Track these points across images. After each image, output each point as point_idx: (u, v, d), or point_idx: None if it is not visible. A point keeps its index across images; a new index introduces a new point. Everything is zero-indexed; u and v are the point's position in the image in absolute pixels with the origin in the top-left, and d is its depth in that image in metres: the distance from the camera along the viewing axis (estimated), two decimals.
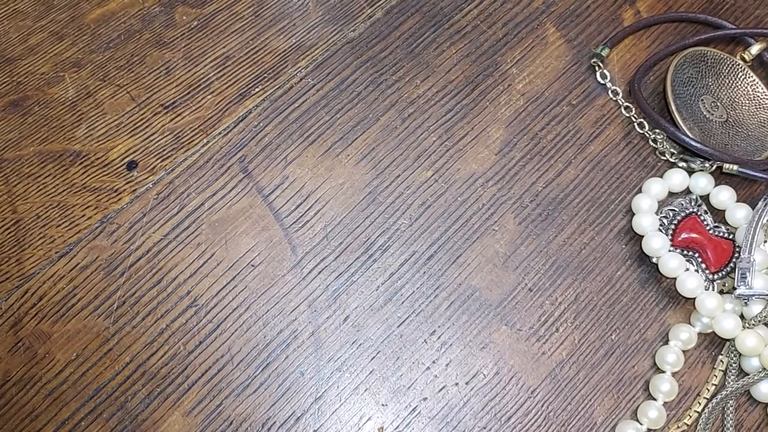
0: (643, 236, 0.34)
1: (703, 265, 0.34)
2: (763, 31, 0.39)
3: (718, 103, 0.37)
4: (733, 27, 0.39)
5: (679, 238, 0.34)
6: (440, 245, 0.35)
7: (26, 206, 0.35)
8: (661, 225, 0.35)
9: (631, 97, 0.38)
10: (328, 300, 0.34)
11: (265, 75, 0.38)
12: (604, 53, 0.38)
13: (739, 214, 0.34)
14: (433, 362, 0.33)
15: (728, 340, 0.33)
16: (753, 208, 0.34)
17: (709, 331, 0.33)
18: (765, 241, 0.34)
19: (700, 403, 0.32)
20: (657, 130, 0.37)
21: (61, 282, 0.34)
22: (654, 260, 0.34)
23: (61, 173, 0.36)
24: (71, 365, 0.32)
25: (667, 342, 0.33)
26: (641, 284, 0.34)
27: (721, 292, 0.34)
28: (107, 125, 0.37)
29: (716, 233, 0.35)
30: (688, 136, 0.35)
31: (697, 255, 0.34)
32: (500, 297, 0.34)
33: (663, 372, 0.33)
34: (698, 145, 0.35)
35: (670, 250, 0.34)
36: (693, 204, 0.35)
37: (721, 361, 0.33)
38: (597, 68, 0.38)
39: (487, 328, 0.33)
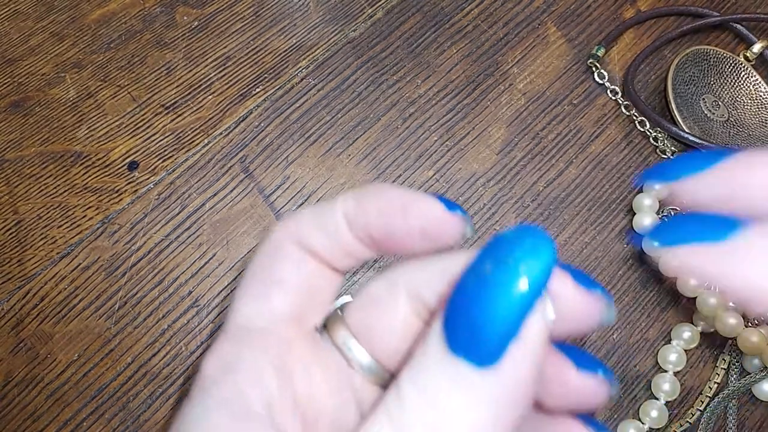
0: (644, 236, 0.34)
1: None
2: (746, 16, 0.38)
3: (720, 102, 0.37)
4: (717, 14, 0.39)
5: None
6: None
7: (27, 207, 0.35)
8: None
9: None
10: None
11: (266, 75, 0.38)
12: (600, 53, 0.38)
13: None
14: None
15: (730, 339, 0.33)
16: None
17: (711, 330, 0.33)
18: None
19: (702, 402, 0.32)
20: (658, 129, 0.37)
21: (62, 283, 0.34)
22: (655, 260, 0.34)
23: (63, 174, 0.36)
24: (73, 366, 0.32)
25: (669, 341, 0.33)
26: (642, 284, 0.34)
27: None
28: (108, 126, 0.37)
29: None
30: (687, 133, 0.35)
31: None
32: None
33: (665, 371, 0.33)
34: (700, 142, 0.35)
35: None
36: None
37: (723, 360, 0.33)
38: (594, 68, 0.38)
39: None
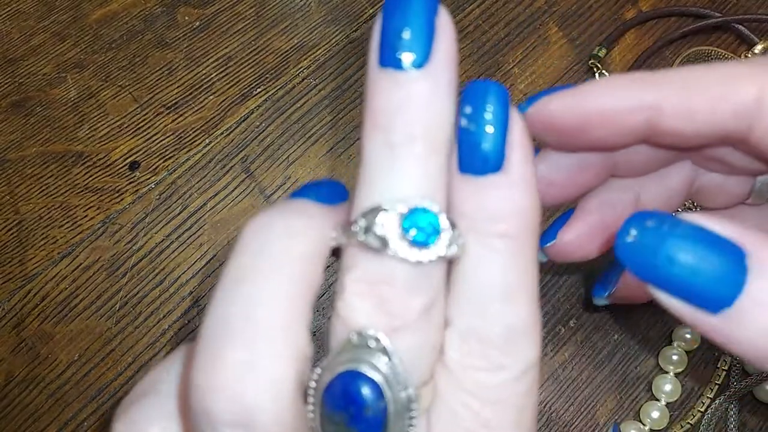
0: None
1: None
2: (747, 17, 0.38)
3: None
4: (719, 15, 0.39)
5: None
6: None
7: (29, 207, 0.35)
8: None
9: None
10: (330, 300, 0.34)
11: (267, 75, 0.38)
12: (601, 54, 0.38)
13: None
14: None
15: None
16: None
17: None
18: None
19: (703, 404, 0.32)
20: None
21: (63, 282, 0.34)
22: None
23: (64, 174, 0.36)
24: (74, 366, 0.32)
25: (670, 342, 0.33)
26: None
27: None
28: (109, 126, 0.37)
29: None
30: None
31: None
32: None
33: (666, 372, 0.33)
34: None
35: None
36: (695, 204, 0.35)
37: (724, 361, 0.33)
38: (595, 69, 0.38)
39: None
